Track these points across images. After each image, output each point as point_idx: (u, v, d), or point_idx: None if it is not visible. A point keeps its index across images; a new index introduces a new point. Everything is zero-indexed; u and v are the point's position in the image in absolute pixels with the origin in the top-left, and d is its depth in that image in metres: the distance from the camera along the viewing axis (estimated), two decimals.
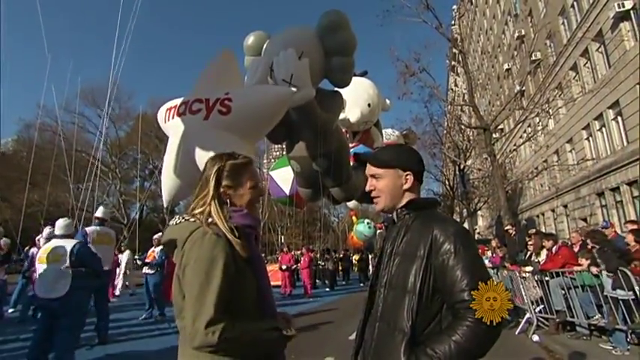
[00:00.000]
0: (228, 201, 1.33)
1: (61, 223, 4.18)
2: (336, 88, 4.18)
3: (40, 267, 3.93)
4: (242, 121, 3.48)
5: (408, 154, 1.41)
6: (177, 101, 3.82)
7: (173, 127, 3.72)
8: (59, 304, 3.79)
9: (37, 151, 23.04)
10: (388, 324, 1.18)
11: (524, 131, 19.29)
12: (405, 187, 1.34)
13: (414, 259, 1.19)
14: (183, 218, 1.30)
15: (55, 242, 4.05)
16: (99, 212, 5.85)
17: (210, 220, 1.26)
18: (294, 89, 3.43)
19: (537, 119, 16.96)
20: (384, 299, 1.24)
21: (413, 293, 1.15)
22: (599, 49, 15.74)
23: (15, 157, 30.73)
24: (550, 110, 15.30)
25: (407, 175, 1.34)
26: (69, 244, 4.03)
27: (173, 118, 3.73)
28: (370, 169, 1.40)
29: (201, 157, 3.42)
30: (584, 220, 18.03)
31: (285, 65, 3.51)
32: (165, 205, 5.71)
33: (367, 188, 1.41)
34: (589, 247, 5.39)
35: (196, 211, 1.29)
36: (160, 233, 8.55)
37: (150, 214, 34.82)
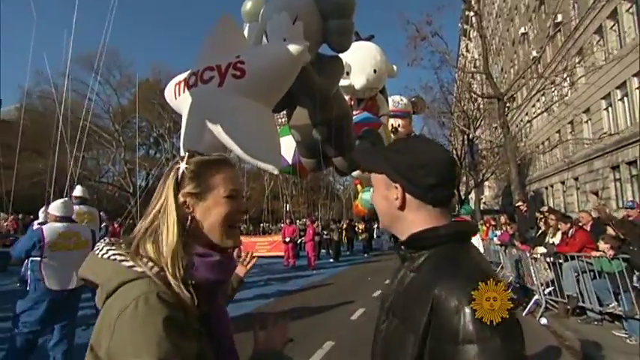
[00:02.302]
0: (189, 221, 0.86)
1: (61, 204, 3.71)
2: (336, 53, 3.94)
3: (60, 255, 3.46)
4: (259, 83, 3.26)
5: (406, 152, 0.88)
6: (184, 75, 3.63)
7: (185, 102, 3.50)
8: (76, 293, 3.53)
9: (40, 119, 22.83)
10: None
11: (538, 100, 18.48)
12: (397, 204, 0.86)
13: (408, 332, 0.77)
14: (112, 249, 0.82)
15: (71, 226, 3.68)
16: (77, 191, 5.47)
17: (152, 265, 0.79)
18: (307, 43, 3.21)
19: (554, 88, 16.14)
20: None
21: None
22: (630, 10, 14.61)
23: (18, 126, 30.62)
24: (569, 78, 14.47)
25: (396, 187, 0.87)
26: (83, 228, 3.81)
27: (184, 91, 3.52)
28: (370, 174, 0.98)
29: (219, 125, 3.23)
30: (596, 193, 17.59)
31: (278, 30, 3.31)
32: None
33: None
34: (611, 232, 5.04)
35: (135, 240, 0.83)
36: None
37: (156, 183, 35.02)
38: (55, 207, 3.66)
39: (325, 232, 17.39)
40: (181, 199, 0.87)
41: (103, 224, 9.27)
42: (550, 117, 15.36)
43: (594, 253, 5.18)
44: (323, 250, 17.59)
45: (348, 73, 5.59)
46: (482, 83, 16.91)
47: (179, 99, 3.63)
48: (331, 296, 7.80)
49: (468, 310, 0.68)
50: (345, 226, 19.91)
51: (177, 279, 0.78)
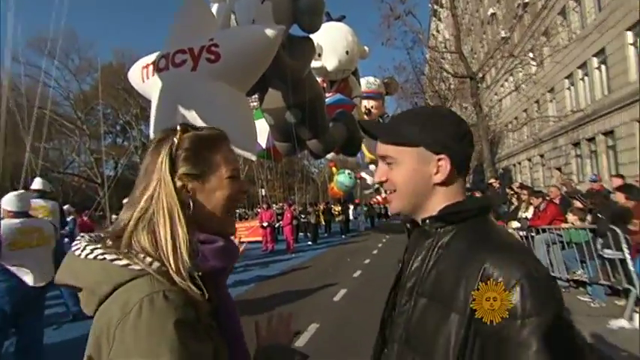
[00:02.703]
0: (190, 206, 0.75)
1: (15, 198, 3.34)
2: (307, 34, 3.90)
3: (21, 253, 3.21)
4: (234, 67, 3.21)
5: (443, 122, 0.82)
6: (152, 57, 3.51)
7: (155, 86, 3.37)
8: (40, 291, 3.28)
9: None
10: None
11: (506, 80, 18.97)
12: (437, 179, 0.80)
13: (448, 310, 0.72)
14: (97, 247, 0.70)
15: (30, 221, 3.40)
16: (36, 184, 5.16)
17: (151, 261, 0.68)
18: (283, 26, 3.20)
19: (521, 69, 16.59)
20: None
21: None
22: None
23: None
24: (537, 58, 14.91)
25: (440, 159, 0.80)
26: (45, 222, 3.56)
27: (153, 75, 3.41)
28: (379, 148, 0.86)
29: (192, 109, 3.15)
30: (559, 169, 18.48)
31: (246, 10, 3.30)
32: None
33: (376, 179, 0.88)
34: (578, 205, 5.32)
35: (125, 233, 0.71)
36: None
37: (125, 172, 33.70)
38: (9, 201, 3.28)
39: (303, 216, 17.45)
40: (179, 183, 0.74)
41: (71, 217, 8.84)
42: (519, 96, 15.83)
43: (564, 225, 5.47)
44: (301, 234, 17.67)
45: (319, 55, 5.53)
46: (454, 63, 17.13)
47: (147, 82, 3.52)
48: (312, 279, 7.86)
49: (524, 283, 0.66)
50: (321, 208, 20.02)
51: (182, 273, 0.68)
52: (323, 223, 19.74)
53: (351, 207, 22.99)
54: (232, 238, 0.85)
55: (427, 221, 0.82)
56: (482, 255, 0.71)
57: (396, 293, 0.88)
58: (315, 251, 13.38)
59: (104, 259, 0.68)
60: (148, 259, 0.68)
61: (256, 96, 5.03)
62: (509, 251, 0.72)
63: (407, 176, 0.82)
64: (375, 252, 12.34)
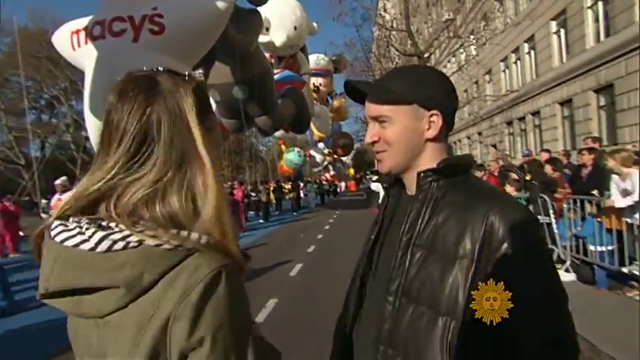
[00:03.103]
0: None
1: None
2: (254, 7, 3.78)
3: None
4: (179, 40, 2.97)
5: (433, 79, 0.84)
6: (83, 22, 3.18)
7: (89, 56, 3.02)
8: None
9: None
10: (406, 355, 0.76)
11: (449, 61, 19.84)
12: (429, 134, 0.82)
13: (452, 261, 0.74)
14: (109, 233, 0.56)
15: None
16: None
17: (198, 236, 0.58)
18: None
19: (463, 50, 17.42)
20: (397, 315, 0.78)
21: (452, 316, 0.72)
22: None
23: None
24: (478, 40, 15.73)
25: (432, 115, 0.81)
26: None
27: (86, 43, 3.07)
28: (371, 108, 0.85)
29: None
30: (494, 146, 20.03)
31: None
32: (96, 151, 4.71)
33: (367, 139, 0.87)
34: (514, 177, 5.86)
35: (132, 207, 0.59)
36: (64, 177, 7.29)
37: (54, 152, 30.45)
38: None
39: (253, 194, 17.24)
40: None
41: None
42: (462, 75, 16.66)
43: None
44: (251, 212, 17.50)
45: (267, 29, 5.39)
46: (401, 42, 17.49)
47: (79, 51, 3.16)
48: (267, 256, 7.88)
49: (525, 225, 0.74)
50: (272, 186, 19.93)
51: (230, 243, 0.60)
52: (274, 201, 19.70)
53: (302, 185, 23.15)
54: None
55: (421, 175, 0.83)
56: (484, 204, 0.75)
57: (376, 252, 0.89)
58: (268, 229, 13.38)
59: (139, 244, 0.55)
60: (195, 235, 0.57)
61: (201, 71, 4.79)
62: (508, 200, 0.81)
63: (401, 134, 0.82)
64: (327, 227, 12.63)
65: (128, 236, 0.55)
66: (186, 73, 0.68)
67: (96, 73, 3.01)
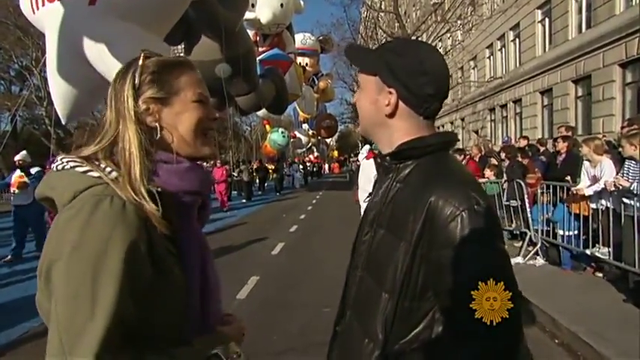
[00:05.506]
0: (157, 130, 0.76)
1: None
2: None
3: None
4: (142, 6, 2.76)
5: (406, 54, 0.81)
6: None
7: (48, 17, 2.87)
8: None
9: None
10: (359, 320, 0.84)
11: (435, 45, 19.85)
12: (386, 110, 0.81)
13: (399, 240, 0.76)
14: (68, 161, 0.73)
15: None
16: None
17: (110, 170, 0.71)
18: None
19: (450, 36, 17.44)
20: (358, 285, 0.86)
21: (390, 292, 0.76)
22: None
23: None
24: (464, 26, 15.75)
25: (390, 92, 0.80)
26: None
27: (44, 5, 2.89)
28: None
29: (96, 53, 2.73)
30: (476, 132, 20.38)
31: None
32: (63, 122, 4.50)
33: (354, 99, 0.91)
34: (494, 162, 6.06)
35: (90, 150, 0.74)
36: (24, 152, 6.95)
37: (27, 126, 29.01)
38: None
39: (236, 174, 17.12)
40: (143, 106, 0.75)
41: None
42: (447, 61, 16.74)
43: (481, 180, 6.19)
44: (234, 192, 17.42)
45: (253, 6, 5.26)
46: (389, 25, 17.35)
47: (37, 13, 2.99)
48: (249, 235, 7.95)
49: (465, 215, 0.69)
50: (255, 166, 19.82)
51: (135, 183, 0.69)
52: (257, 181, 19.64)
53: (285, 165, 23.07)
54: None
55: (387, 157, 0.85)
56: (430, 188, 0.73)
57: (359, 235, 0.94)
58: (250, 209, 13.40)
59: (72, 167, 0.72)
60: (108, 169, 0.71)
61: (182, 46, 4.65)
62: (457, 185, 0.74)
63: (364, 104, 0.85)
64: (309, 208, 12.74)
65: (75, 165, 0.72)
66: (138, 56, 0.79)
67: (52, 36, 2.86)
